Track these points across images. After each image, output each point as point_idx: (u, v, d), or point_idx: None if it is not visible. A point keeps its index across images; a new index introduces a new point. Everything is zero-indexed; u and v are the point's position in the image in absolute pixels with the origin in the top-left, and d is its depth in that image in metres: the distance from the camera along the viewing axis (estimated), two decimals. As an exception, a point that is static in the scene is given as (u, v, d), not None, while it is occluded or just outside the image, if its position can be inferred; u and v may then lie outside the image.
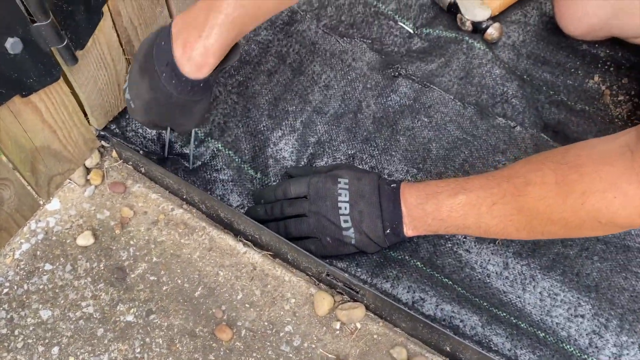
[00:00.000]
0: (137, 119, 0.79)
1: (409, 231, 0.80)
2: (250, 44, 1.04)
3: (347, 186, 0.80)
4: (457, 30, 1.10)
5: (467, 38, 1.09)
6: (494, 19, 1.10)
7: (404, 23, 1.12)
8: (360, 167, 0.94)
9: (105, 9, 0.76)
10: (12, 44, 0.64)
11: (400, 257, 0.88)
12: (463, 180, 0.77)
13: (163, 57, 0.71)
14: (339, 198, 0.79)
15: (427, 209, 0.77)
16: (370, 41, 1.09)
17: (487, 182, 0.74)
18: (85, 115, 0.85)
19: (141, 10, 0.83)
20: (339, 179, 0.80)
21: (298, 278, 0.86)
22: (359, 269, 0.86)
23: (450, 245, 0.89)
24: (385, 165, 0.95)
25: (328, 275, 0.82)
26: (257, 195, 0.89)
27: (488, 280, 0.87)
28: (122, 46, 0.83)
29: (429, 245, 0.88)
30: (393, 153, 0.96)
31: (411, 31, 1.12)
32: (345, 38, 1.07)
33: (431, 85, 1.04)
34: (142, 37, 0.86)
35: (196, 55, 0.70)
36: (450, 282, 0.86)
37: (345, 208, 0.79)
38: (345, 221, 0.79)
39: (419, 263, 0.87)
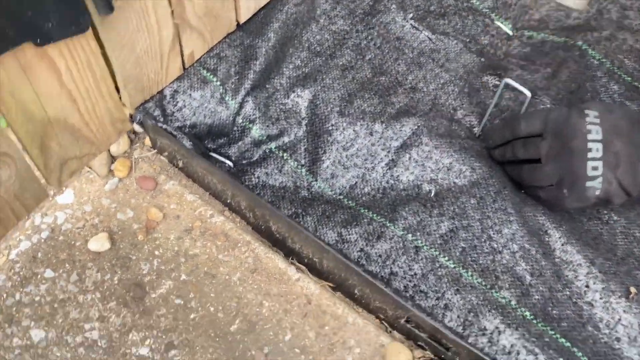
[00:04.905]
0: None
1: None
2: (323, 33, 0.87)
3: (597, 120, 0.67)
4: (567, 34, 0.91)
5: (579, 43, 0.89)
6: None
7: (502, 22, 0.94)
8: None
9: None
10: (28, -35, 0.48)
11: (504, 300, 0.67)
12: None
13: None
14: (589, 136, 0.66)
15: None
16: (468, 39, 0.91)
17: None
18: (117, 88, 0.68)
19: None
20: (587, 111, 0.67)
21: (365, 321, 0.66)
22: (447, 312, 0.65)
23: (568, 293, 0.68)
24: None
25: (408, 321, 0.61)
26: (487, 134, 0.78)
27: (617, 346, 0.65)
28: (170, 6, 0.67)
29: (544, 287, 0.67)
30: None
31: (510, 32, 0.93)
32: (437, 35, 0.89)
33: (539, 98, 0.84)
34: (196, -1, 0.70)
35: None
36: (568, 344, 0.65)
37: (597, 150, 0.66)
38: (594, 168, 0.66)
39: (527, 313, 0.66)
